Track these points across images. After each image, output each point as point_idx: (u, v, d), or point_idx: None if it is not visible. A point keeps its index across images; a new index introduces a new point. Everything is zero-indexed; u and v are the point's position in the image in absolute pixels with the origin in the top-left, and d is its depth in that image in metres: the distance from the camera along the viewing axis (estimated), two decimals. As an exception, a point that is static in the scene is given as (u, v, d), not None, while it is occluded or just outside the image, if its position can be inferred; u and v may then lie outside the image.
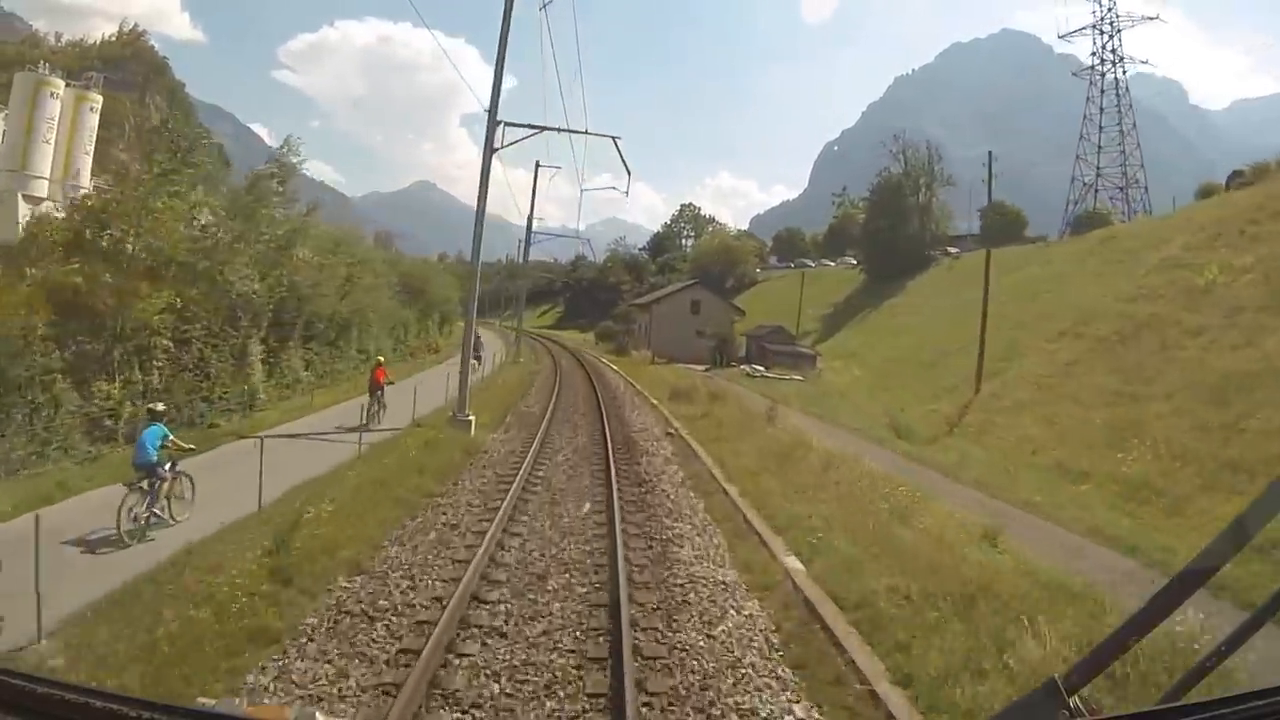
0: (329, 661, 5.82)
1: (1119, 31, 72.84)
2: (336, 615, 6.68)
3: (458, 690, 5.47)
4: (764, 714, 5.41)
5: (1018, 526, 11.22)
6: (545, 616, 6.93)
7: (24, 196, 39.78)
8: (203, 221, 17.85)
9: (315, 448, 14.04)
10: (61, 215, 17.41)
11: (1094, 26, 73.65)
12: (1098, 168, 70.95)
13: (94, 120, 52.40)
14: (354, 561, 7.90)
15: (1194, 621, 4.66)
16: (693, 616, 7.10)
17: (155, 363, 14.91)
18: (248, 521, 9.20)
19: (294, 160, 22.08)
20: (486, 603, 7.16)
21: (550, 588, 7.66)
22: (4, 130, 46.17)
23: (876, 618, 6.75)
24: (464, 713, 5.23)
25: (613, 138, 18.95)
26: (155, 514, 9.11)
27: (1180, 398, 17.74)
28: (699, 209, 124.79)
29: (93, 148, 51.55)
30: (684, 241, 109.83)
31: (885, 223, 57.34)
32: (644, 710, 5.33)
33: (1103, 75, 73.69)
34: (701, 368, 41.62)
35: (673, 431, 18.45)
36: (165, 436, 9.41)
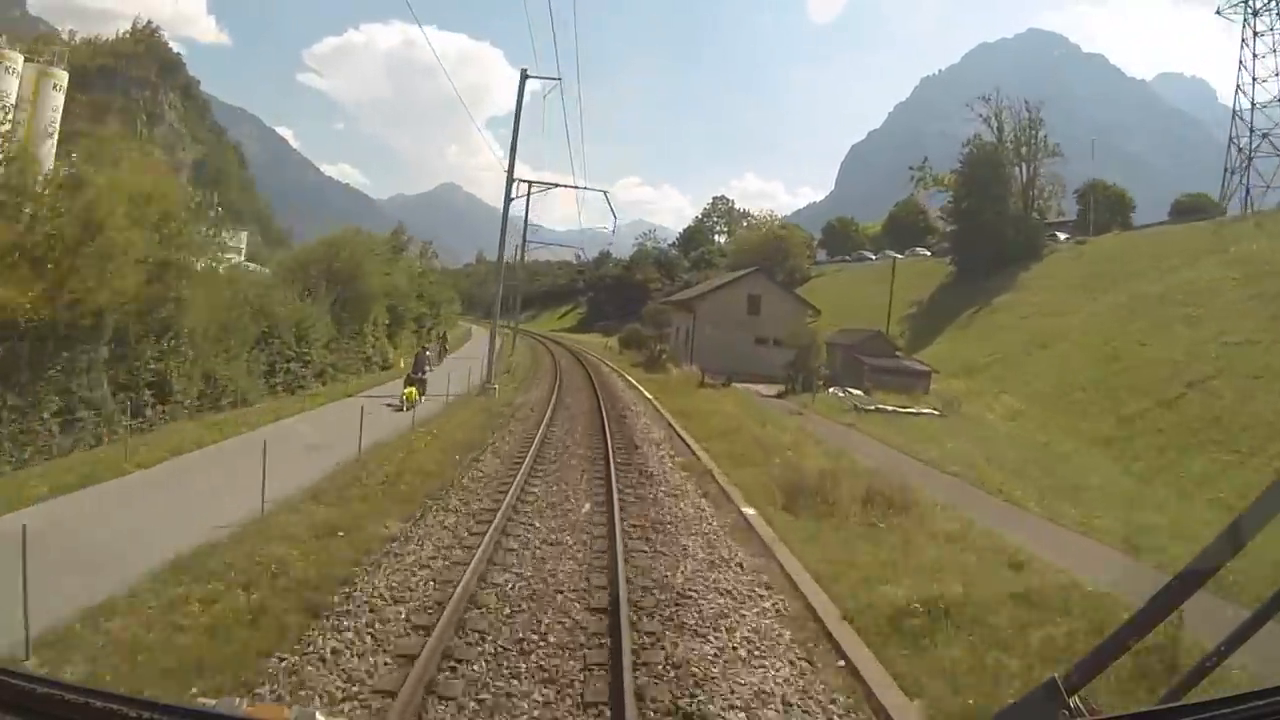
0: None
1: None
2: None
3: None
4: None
5: None
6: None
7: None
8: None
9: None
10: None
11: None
12: (1250, 130, 51.48)
13: (59, 99, 49.62)
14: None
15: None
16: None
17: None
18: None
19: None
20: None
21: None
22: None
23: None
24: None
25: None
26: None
27: None
28: (732, 202, 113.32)
29: (57, 128, 47.82)
30: (716, 237, 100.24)
31: (978, 202, 45.75)
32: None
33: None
34: (772, 390, 30.48)
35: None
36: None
